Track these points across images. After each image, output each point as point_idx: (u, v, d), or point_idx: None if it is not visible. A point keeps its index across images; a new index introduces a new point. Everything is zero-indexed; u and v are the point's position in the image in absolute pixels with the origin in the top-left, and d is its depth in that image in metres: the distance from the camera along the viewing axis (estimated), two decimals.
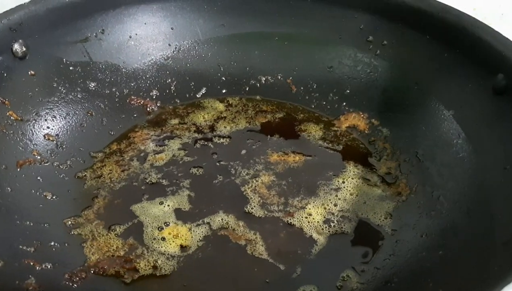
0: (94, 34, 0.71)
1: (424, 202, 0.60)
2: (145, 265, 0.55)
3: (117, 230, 0.58)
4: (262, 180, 0.65)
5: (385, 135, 0.70)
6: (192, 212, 0.61)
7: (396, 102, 0.70)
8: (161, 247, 0.56)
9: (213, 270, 0.55)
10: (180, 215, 0.60)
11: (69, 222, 0.58)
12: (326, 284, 0.53)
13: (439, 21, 0.65)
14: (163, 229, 0.58)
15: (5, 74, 0.62)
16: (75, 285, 0.51)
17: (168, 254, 0.56)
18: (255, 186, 0.64)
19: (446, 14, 0.65)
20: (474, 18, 0.63)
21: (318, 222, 0.59)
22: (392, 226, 0.59)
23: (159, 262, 0.55)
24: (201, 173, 0.66)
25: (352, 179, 0.64)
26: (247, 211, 0.61)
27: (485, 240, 0.50)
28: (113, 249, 0.56)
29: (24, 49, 0.63)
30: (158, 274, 0.54)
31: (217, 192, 0.63)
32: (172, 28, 0.77)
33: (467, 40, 0.62)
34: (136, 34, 0.75)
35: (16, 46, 0.63)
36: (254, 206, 0.61)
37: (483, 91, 0.59)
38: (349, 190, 0.63)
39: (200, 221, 0.60)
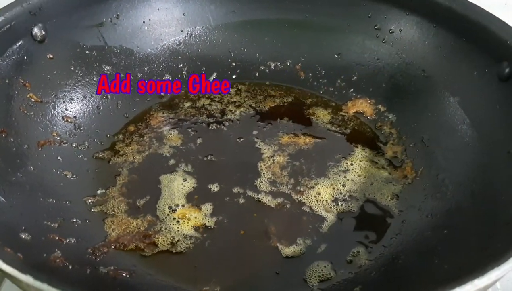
0: (109, 19, 0.73)
1: (430, 184, 0.63)
2: (163, 240, 0.57)
3: (137, 207, 0.61)
4: (277, 160, 0.67)
5: (392, 121, 0.72)
6: (209, 191, 0.63)
7: (403, 89, 0.73)
8: (178, 225, 0.59)
9: (227, 248, 0.58)
10: (198, 194, 0.63)
11: (89, 200, 0.61)
12: (337, 260, 0.56)
13: (446, 10, 0.67)
14: (182, 206, 0.61)
15: (25, 58, 0.64)
16: (98, 259, 0.54)
17: (184, 233, 0.58)
18: (270, 165, 0.66)
19: (452, 3, 0.67)
20: (479, 7, 0.64)
21: (326, 200, 0.62)
22: (398, 207, 0.62)
23: (176, 239, 0.58)
24: (215, 154, 0.68)
25: (360, 161, 0.67)
26: (261, 189, 0.64)
27: (488, 220, 0.52)
28: (133, 225, 0.59)
29: (43, 33, 0.65)
30: (174, 251, 0.57)
31: (231, 171, 0.66)
32: (184, 14, 0.79)
33: (473, 29, 0.64)
34: (149, 19, 0.77)
35: (36, 30, 0.64)
36: (268, 184, 0.64)
37: (488, 79, 0.61)
38: (357, 172, 0.66)
39: (216, 201, 0.62)
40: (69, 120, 0.67)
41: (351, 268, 0.55)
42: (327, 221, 0.60)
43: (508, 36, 0.59)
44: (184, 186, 0.63)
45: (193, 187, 0.64)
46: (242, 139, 0.70)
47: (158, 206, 0.61)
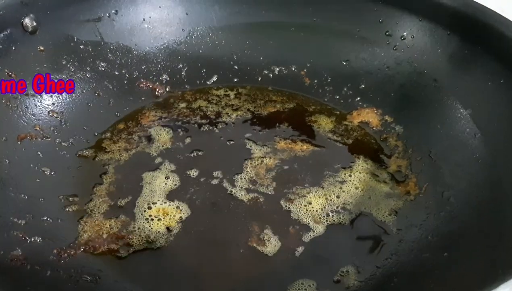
0: (107, 14, 0.71)
1: (434, 202, 0.58)
2: (138, 240, 0.54)
3: (117, 206, 0.58)
4: (266, 162, 0.63)
5: (398, 133, 0.67)
6: (192, 191, 0.60)
7: (412, 99, 0.68)
8: (153, 224, 0.56)
9: (205, 250, 0.55)
10: (178, 193, 0.60)
11: (65, 199, 0.57)
12: (323, 278, 0.51)
13: (461, 15, 0.63)
14: (160, 204, 0.58)
15: (13, 48, 0.61)
16: (62, 261, 0.50)
17: (159, 231, 0.55)
18: (257, 166, 0.63)
19: (468, 9, 0.62)
20: (496, 13, 0.60)
21: (316, 211, 0.57)
22: (396, 225, 0.56)
23: (152, 237, 0.54)
24: (204, 154, 0.65)
25: (360, 173, 0.62)
26: (249, 191, 0.60)
27: (492, 242, 0.48)
28: (106, 227, 0.55)
29: (34, 24, 0.63)
30: (153, 247, 0.54)
31: (214, 167, 0.63)
32: (186, 13, 0.76)
33: (489, 36, 0.59)
34: (150, 17, 0.74)
35: (27, 21, 0.62)
36: (254, 188, 0.60)
37: (503, 91, 0.57)
38: (355, 184, 0.61)
39: (200, 199, 0.59)
40: (55, 115, 0.64)
41: (337, 288, 0.50)
42: (314, 232, 0.55)
43: None
44: (166, 183, 0.60)
45: (175, 185, 0.60)
46: (232, 142, 0.67)
47: (138, 203, 0.58)
